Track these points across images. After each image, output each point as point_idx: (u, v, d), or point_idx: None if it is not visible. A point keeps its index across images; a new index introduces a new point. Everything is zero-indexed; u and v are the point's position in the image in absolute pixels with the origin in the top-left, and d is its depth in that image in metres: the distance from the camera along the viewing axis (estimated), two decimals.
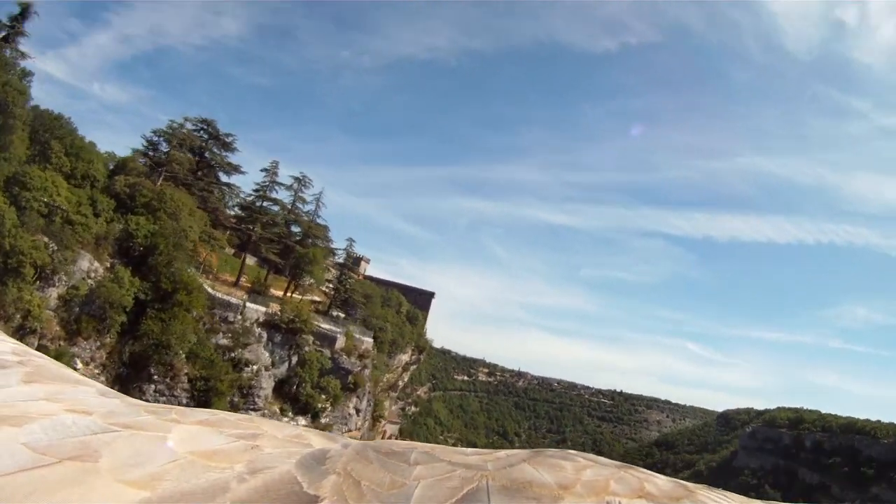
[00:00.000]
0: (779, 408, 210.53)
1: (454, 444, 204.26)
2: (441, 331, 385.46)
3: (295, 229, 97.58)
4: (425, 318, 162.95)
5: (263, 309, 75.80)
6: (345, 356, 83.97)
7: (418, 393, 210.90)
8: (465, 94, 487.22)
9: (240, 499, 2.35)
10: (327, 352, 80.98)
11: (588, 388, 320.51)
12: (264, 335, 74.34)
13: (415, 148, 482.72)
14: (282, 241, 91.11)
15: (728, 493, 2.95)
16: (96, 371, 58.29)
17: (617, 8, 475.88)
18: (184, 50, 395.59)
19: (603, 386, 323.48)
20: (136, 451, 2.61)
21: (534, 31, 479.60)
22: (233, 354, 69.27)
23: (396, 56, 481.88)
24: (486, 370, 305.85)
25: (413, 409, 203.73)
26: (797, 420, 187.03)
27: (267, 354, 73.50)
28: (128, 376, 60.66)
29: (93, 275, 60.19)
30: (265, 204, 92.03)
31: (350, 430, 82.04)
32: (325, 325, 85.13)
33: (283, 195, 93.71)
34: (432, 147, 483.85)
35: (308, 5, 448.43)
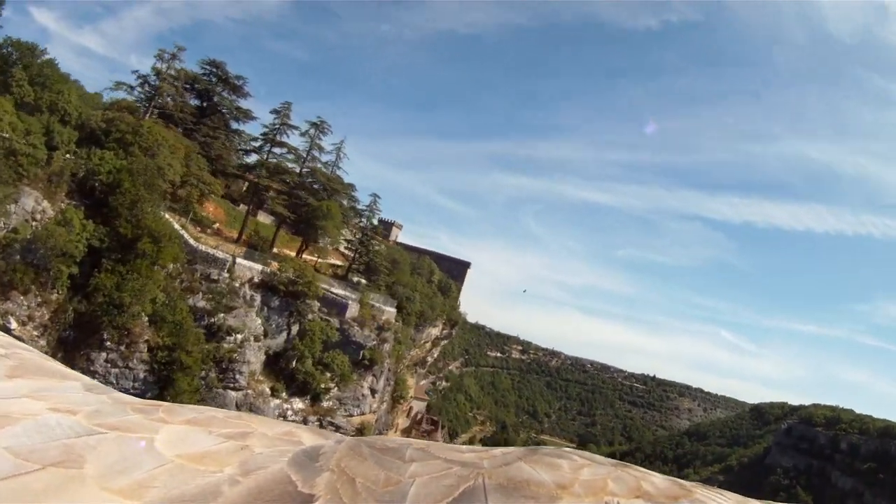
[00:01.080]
0: (814, 404, 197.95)
1: (483, 422, 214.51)
2: (475, 305, 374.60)
3: (311, 181, 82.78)
4: (459, 290, 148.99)
5: (259, 267, 62.07)
6: (357, 327, 69.23)
7: (450, 368, 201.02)
8: (506, 70, 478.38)
9: (233, 502, 2.22)
10: (335, 321, 66.09)
11: (621, 371, 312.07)
12: (257, 298, 60.91)
13: (456, 122, 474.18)
14: (293, 193, 76.32)
15: (725, 492, 2.75)
16: (35, 333, 46.62)
17: None
18: (222, 23, 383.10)
19: (636, 370, 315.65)
20: (123, 455, 2.43)
21: (576, 7, 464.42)
22: (212, 320, 55.98)
23: (437, 30, 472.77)
24: (519, 347, 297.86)
25: (444, 384, 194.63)
26: (834, 419, 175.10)
27: (259, 322, 59.72)
28: (74, 341, 48.70)
29: (38, 216, 48.36)
30: (275, 150, 78.71)
31: (364, 414, 70.17)
32: (337, 290, 70.65)
33: (299, 143, 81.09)
34: (473, 122, 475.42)
35: None
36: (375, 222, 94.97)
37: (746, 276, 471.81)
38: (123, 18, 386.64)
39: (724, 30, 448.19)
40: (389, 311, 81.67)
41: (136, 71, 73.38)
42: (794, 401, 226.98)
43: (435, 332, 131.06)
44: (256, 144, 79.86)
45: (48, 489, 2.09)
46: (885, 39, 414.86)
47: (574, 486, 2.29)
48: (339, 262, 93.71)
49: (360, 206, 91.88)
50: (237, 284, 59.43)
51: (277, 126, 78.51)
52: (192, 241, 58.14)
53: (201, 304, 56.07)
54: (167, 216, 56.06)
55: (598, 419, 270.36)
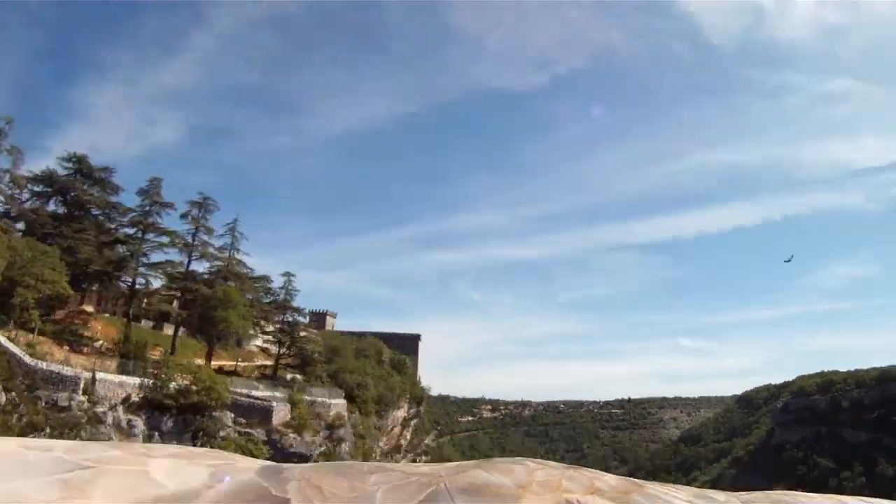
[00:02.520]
0: (800, 377, 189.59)
1: None
2: (435, 378, 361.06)
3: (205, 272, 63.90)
4: (415, 364, 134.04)
5: (136, 381, 41.92)
6: (292, 435, 49.58)
7: (425, 442, 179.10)
8: (408, 155, 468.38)
9: (213, 499, 2.27)
10: (260, 433, 46.38)
11: (596, 402, 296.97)
12: (138, 423, 40.18)
13: (372, 214, 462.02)
14: (183, 286, 57.43)
15: (679, 487, 2.90)
16: None
17: (541, 43, 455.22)
18: (124, 163, 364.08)
19: (609, 397, 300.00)
20: (127, 486, 2.35)
21: (463, 82, 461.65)
22: None
23: (335, 132, 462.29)
24: (489, 407, 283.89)
25: (424, 458, 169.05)
26: (826, 384, 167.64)
27: None
28: None
29: None
30: (150, 237, 59.40)
31: None
32: (256, 394, 51.11)
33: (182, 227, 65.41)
34: (388, 211, 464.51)
35: (238, 101, 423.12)
36: (296, 304, 75.43)
37: (687, 284, 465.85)
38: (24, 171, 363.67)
39: (613, 68, 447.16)
40: (338, 404, 63.81)
41: None
42: (775, 381, 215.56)
43: (401, 413, 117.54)
44: (124, 233, 60.37)
45: None
46: (767, 35, 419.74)
47: (532, 486, 2.36)
48: (268, 363, 73.90)
49: (277, 297, 72.92)
50: (101, 409, 39.72)
51: (147, 207, 59.66)
52: (26, 359, 41.16)
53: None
54: None
55: (587, 452, 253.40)
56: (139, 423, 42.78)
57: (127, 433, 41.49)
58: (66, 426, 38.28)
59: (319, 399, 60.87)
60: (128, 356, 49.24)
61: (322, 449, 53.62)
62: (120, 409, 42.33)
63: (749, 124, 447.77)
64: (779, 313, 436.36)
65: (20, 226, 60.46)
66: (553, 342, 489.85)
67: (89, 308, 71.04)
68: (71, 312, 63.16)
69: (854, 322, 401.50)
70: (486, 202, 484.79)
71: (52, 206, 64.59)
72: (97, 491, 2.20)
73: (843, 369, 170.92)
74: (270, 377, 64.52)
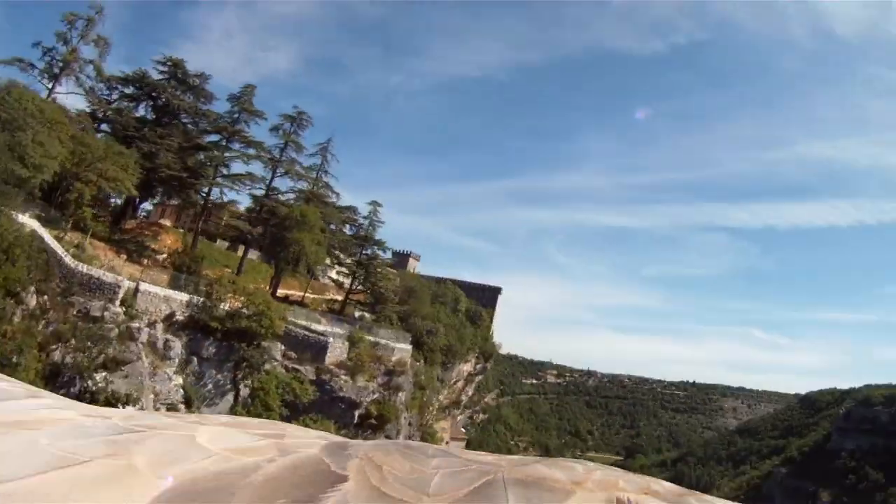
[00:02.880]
0: (867, 385, 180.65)
1: (525, 449, 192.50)
2: (505, 336, 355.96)
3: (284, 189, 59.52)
4: (491, 318, 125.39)
5: (184, 297, 36.91)
6: (344, 377, 44.42)
7: (486, 400, 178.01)
8: (518, 107, 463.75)
9: (270, 474, 2.18)
10: (309, 371, 40.95)
11: (660, 381, 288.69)
12: (176, 345, 34.99)
13: (472, 164, 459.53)
14: (261, 202, 52.54)
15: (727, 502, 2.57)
16: None
17: (664, 9, 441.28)
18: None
19: (675, 378, 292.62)
20: (168, 449, 2.31)
21: (583, 39, 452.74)
22: (85, 384, 31.88)
23: (448, 76, 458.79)
24: (554, 372, 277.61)
25: (482, 416, 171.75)
26: (892, 397, 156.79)
27: (177, 383, 33.71)
28: None
29: None
30: (235, 146, 56.55)
31: None
32: (315, 327, 45.32)
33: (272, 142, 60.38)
34: (489, 162, 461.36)
35: (355, 34, 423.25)
36: (379, 237, 69.10)
37: (772, 276, 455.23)
38: None
39: (732, 44, 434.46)
40: (402, 349, 58.35)
41: (39, 42, 49.90)
42: (841, 385, 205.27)
43: (467, 367, 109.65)
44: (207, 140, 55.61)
45: (101, 478, 1.94)
46: (891, 31, 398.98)
47: (587, 483, 2.24)
48: (339, 298, 68.60)
49: (360, 230, 67.27)
50: (137, 325, 34.59)
51: (236, 114, 54.72)
52: (66, 259, 36.80)
53: (71, 358, 33.14)
54: (27, 218, 35.52)
55: (642, 430, 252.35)
56: (177, 345, 38.32)
57: (161, 355, 36.81)
58: (91, 338, 33.49)
59: (383, 341, 55.99)
60: (181, 269, 44.47)
61: (375, 396, 49.25)
62: (159, 326, 37.78)
63: (862, 123, 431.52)
64: (856, 318, 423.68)
65: (105, 127, 56.15)
66: (628, 315, 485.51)
67: (167, 223, 66.79)
68: (142, 223, 59.03)
69: None
70: (588, 164, 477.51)
71: (141, 112, 59.86)
72: (142, 451, 2.15)
73: None
74: (337, 312, 59.33)
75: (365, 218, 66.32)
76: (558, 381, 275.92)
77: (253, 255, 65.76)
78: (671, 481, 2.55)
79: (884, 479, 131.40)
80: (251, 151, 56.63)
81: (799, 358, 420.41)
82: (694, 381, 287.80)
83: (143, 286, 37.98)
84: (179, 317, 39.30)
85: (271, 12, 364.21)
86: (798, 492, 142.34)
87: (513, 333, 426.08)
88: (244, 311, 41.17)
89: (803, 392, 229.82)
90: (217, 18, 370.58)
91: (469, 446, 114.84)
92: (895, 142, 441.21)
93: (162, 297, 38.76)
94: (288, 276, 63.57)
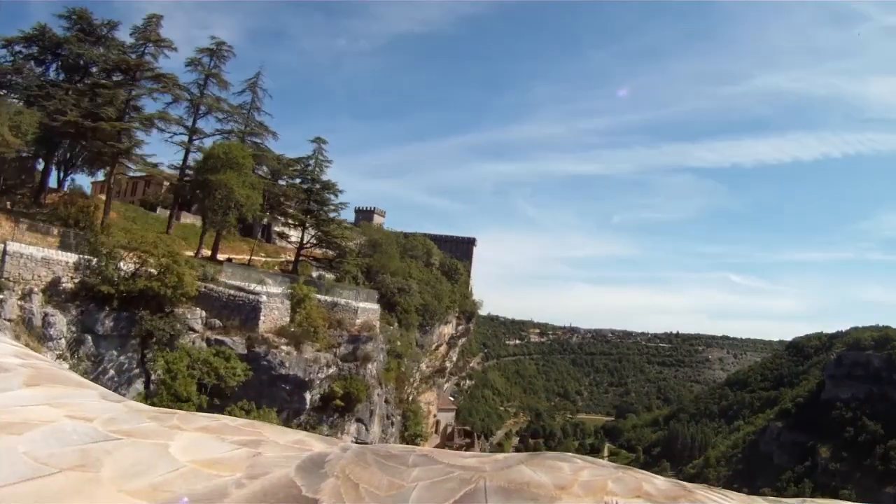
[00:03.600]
0: (855, 328, 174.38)
1: (516, 413, 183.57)
2: (484, 296, 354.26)
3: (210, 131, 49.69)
4: (468, 272, 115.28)
5: (72, 258, 27.88)
6: (284, 349, 35.27)
7: (471, 365, 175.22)
8: (467, 59, 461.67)
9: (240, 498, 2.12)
10: (238, 342, 31.86)
11: (644, 333, 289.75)
12: (56, 318, 26.03)
13: (429, 122, 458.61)
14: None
15: (727, 492, 2.57)
16: None
17: None
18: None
19: (658, 330, 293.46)
20: (138, 460, 2.27)
21: None
22: None
23: (392, 34, 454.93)
24: (537, 331, 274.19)
25: (468, 382, 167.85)
26: (883, 340, 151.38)
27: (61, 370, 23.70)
28: None
29: None
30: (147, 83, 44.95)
31: None
32: (252, 287, 36.18)
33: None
34: (445, 118, 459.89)
35: (294, 2, 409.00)
36: (327, 178, 58.68)
37: (743, 217, 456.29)
38: None
39: None
40: (368, 309, 48.00)
41: None
42: (828, 329, 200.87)
43: (448, 329, 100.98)
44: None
45: (65, 490, 1.95)
46: None
47: (573, 487, 2.18)
48: (291, 259, 59.94)
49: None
50: (1, 297, 25.75)
51: (142, 47, 45.63)
52: None
53: None
54: None
55: (630, 387, 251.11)
56: (58, 320, 28.72)
57: (39, 335, 27.74)
58: None
59: (343, 300, 45.30)
60: (75, 224, 35.40)
61: (331, 371, 39.11)
62: (36, 298, 28.36)
63: (816, 52, 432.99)
64: (831, 257, 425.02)
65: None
66: (604, 266, 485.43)
67: (102, 197, 58.62)
68: (65, 195, 50.61)
69: None
70: (547, 112, 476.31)
71: (51, 74, 51.16)
72: (111, 462, 2.13)
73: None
74: (290, 272, 50.46)
75: (310, 158, 56.28)
76: (542, 339, 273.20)
77: (196, 220, 56.27)
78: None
79: (882, 431, 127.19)
80: (161, 87, 47.19)
81: (779, 302, 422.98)
82: (678, 333, 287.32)
83: (12, 247, 28.43)
84: (67, 284, 30.24)
85: None
86: (796, 447, 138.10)
87: (491, 292, 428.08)
88: (143, 269, 31.81)
89: (788, 338, 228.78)
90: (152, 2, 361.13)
91: (459, 416, 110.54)
92: (850, 70, 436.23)
93: (40, 259, 29.12)
94: (235, 240, 54.41)
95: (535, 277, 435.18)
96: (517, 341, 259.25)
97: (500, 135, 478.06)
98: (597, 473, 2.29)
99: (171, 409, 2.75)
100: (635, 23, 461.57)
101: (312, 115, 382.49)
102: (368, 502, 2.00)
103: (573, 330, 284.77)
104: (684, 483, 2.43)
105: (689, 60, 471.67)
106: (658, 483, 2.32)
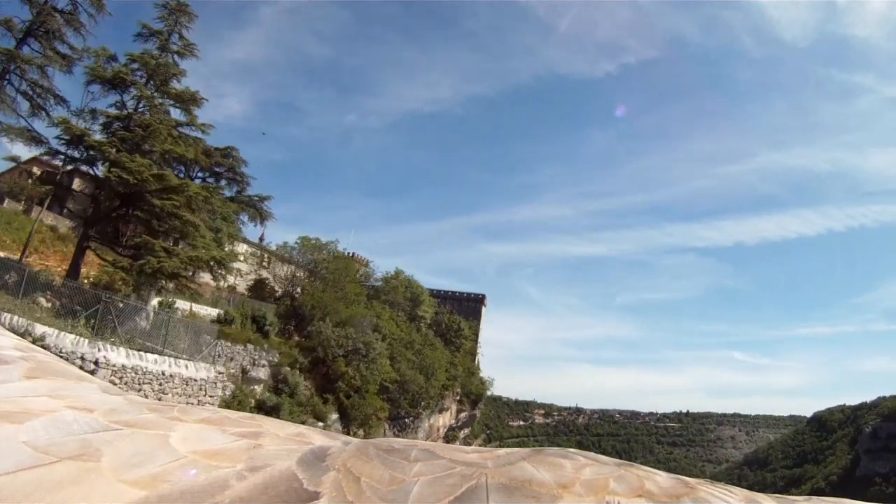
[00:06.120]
0: (881, 398, 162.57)
1: None
2: (488, 375, 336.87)
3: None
4: (476, 335, 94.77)
5: None
6: None
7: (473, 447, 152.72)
8: (475, 140, 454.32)
9: (239, 496, 2.05)
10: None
11: (652, 413, 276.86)
12: None
13: (435, 201, 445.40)
14: None
15: (731, 488, 2.27)
16: None
17: (611, 30, 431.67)
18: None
19: (667, 409, 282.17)
20: (138, 450, 2.25)
21: (532, 67, 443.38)
22: None
23: (402, 112, 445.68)
24: (541, 412, 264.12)
25: None
26: None
27: None
28: None
29: None
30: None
31: None
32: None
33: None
34: (452, 198, 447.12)
35: (306, 76, 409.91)
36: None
37: (746, 295, 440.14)
38: None
39: (682, 60, 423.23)
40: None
41: None
42: (850, 401, 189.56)
43: (445, 419, 79.76)
44: None
45: (65, 480, 1.92)
46: (838, 34, 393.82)
47: (575, 486, 2.03)
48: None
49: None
50: None
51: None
52: None
53: None
54: None
55: None
56: None
57: None
58: None
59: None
60: None
61: None
62: None
63: (818, 127, 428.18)
64: (834, 331, 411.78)
65: None
66: (608, 346, 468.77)
67: None
68: None
69: None
70: (550, 194, 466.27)
71: None
72: (112, 452, 2.11)
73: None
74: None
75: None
76: (547, 420, 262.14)
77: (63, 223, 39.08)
78: None
79: None
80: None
81: (783, 378, 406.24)
82: (688, 412, 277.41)
83: None
84: None
85: (220, 58, 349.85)
86: None
87: (494, 373, 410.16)
88: None
89: (799, 413, 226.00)
90: None
91: None
92: (851, 144, 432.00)
93: None
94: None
95: (537, 358, 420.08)
96: (521, 422, 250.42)
97: (503, 215, 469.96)
98: (599, 471, 2.09)
99: (171, 404, 2.62)
100: (641, 104, 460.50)
101: (321, 190, 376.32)
102: (370, 496, 1.91)
103: (579, 410, 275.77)
104: (687, 479, 2.20)
105: (693, 141, 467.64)
106: (660, 480, 2.09)
